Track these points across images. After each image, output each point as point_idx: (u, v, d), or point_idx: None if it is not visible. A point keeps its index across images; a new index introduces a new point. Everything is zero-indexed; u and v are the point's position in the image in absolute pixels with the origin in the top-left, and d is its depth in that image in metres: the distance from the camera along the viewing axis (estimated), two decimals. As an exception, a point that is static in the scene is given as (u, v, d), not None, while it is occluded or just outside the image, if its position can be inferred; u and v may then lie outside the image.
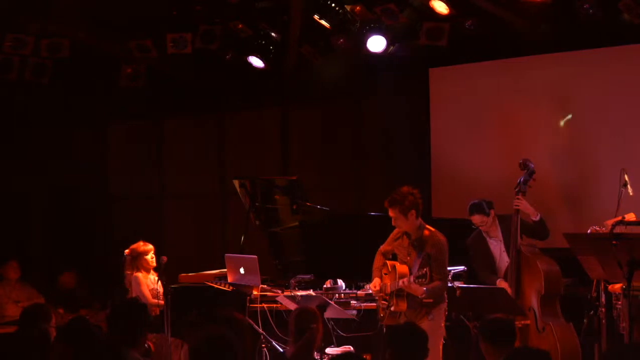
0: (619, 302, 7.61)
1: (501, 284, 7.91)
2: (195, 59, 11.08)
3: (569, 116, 10.03)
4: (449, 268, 8.12)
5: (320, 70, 10.89)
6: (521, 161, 8.18)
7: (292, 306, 7.81)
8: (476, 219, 8.22)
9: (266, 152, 12.14)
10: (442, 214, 10.03)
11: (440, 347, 7.43)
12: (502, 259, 8.17)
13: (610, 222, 7.42)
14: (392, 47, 10.35)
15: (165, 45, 10.65)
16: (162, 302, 8.48)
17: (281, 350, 7.72)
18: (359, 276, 8.72)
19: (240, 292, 8.49)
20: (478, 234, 8.32)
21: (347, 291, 8.76)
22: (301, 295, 8.20)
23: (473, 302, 7.17)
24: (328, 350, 7.96)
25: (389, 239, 7.74)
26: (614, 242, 6.40)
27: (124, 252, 8.87)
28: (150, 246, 8.88)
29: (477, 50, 10.37)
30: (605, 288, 7.72)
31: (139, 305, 5.90)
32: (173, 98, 12.26)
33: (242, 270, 8.49)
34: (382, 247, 7.77)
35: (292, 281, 9.03)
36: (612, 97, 9.79)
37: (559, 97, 10.07)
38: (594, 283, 7.77)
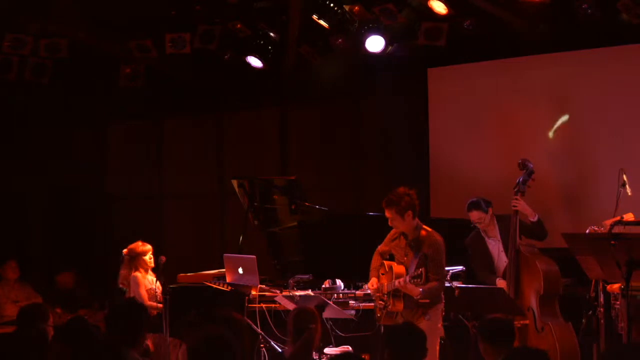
0: (618, 302, 7.61)
1: (500, 283, 7.92)
2: (194, 59, 11.09)
3: (565, 117, 10.03)
4: (447, 268, 8.14)
5: (319, 70, 10.90)
6: (520, 161, 8.18)
7: (290, 306, 7.81)
8: (474, 215, 8.21)
9: (265, 152, 12.14)
10: (441, 214, 10.05)
11: (437, 347, 7.44)
12: (501, 259, 8.18)
13: (608, 222, 7.43)
14: (390, 47, 10.35)
15: (164, 46, 10.65)
16: (159, 304, 8.50)
17: (280, 350, 7.72)
18: (357, 276, 8.72)
19: (238, 292, 8.49)
20: (476, 233, 8.33)
21: (346, 291, 8.77)
22: (300, 295, 8.21)
23: (472, 302, 7.17)
24: (326, 350, 7.97)
25: (386, 239, 7.75)
26: (612, 242, 6.40)
27: (122, 252, 8.89)
28: (149, 246, 8.88)
29: (475, 50, 10.38)
30: (604, 288, 7.72)
31: (138, 305, 5.90)
32: (172, 98, 12.26)
33: (240, 270, 8.49)
34: (380, 248, 7.79)
35: (291, 281, 9.03)
36: (610, 97, 9.79)
37: (558, 97, 10.07)
38: (593, 283, 7.77)
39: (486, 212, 8.19)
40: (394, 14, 9.88)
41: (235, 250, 9.21)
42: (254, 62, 10.89)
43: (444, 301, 7.45)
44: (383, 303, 7.55)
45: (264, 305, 8.43)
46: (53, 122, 12.54)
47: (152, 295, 8.75)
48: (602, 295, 7.74)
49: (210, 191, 12.46)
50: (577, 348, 7.74)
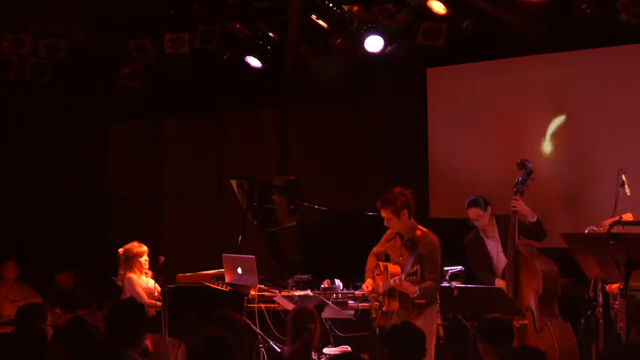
0: (617, 302, 7.61)
1: (499, 284, 7.92)
2: (193, 59, 11.09)
3: (561, 119, 10.04)
4: (446, 268, 8.16)
5: (318, 70, 10.90)
6: (519, 161, 8.18)
7: (289, 306, 7.81)
8: (472, 212, 8.19)
9: (265, 152, 12.14)
10: (440, 214, 10.05)
11: (433, 347, 7.45)
12: (500, 259, 8.17)
13: (607, 222, 7.42)
14: (389, 47, 10.35)
15: (163, 46, 10.66)
16: (158, 302, 8.50)
17: (279, 350, 7.73)
18: (356, 276, 8.71)
19: (237, 292, 8.50)
20: (475, 233, 8.32)
21: (345, 291, 8.78)
22: (299, 295, 8.20)
23: (471, 302, 7.16)
24: (326, 350, 7.98)
25: (381, 240, 7.78)
26: (611, 242, 6.39)
27: (118, 251, 8.89)
28: (145, 248, 8.86)
29: (474, 50, 10.37)
30: (603, 288, 7.71)
31: (137, 305, 5.91)
32: (172, 98, 12.27)
33: (239, 270, 8.50)
34: (375, 249, 7.81)
35: (290, 281, 9.03)
36: (609, 97, 9.79)
37: (557, 97, 10.07)
38: (592, 283, 7.76)
39: (485, 210, 8.18)
40: (393, 14, 9.88)
41: (234, 250, 9.21)
42: (253, 62, 10.89)
43: (439, 302, 7.45)
44: (378, 304, 7.56)
45: (263, 305, 8.44)
46: (53, 122, 12.55)
47: (149, 293, 8.75)
48: (601, 295, 7.74)
49: (210, 191, 12.46)
50: (576, 348, 7.73)
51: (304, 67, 11.06)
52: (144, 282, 8.81)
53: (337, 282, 8.85)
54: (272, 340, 8.02)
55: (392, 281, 7.35)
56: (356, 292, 8.69)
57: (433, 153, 10.82)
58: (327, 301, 7.74)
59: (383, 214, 7.52)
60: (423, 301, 7.33)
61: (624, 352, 4.41)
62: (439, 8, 9.77)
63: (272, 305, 8.44)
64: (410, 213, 7.49)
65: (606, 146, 9.71)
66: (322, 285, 8.82)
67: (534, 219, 8.09)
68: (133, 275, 8.77)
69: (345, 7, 10.06)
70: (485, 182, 9.96)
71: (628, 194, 7.86)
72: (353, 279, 8.89)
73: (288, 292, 8.62)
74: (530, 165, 8.12)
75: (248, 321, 7.86)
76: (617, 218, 7.47)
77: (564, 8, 9.49)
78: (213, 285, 8.77)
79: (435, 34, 9.93)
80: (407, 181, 7.81)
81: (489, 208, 8.21)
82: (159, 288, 8.58)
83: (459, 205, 8.52)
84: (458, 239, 8.37)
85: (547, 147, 10.05)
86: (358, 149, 11.62)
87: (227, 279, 8.67)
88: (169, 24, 10.67)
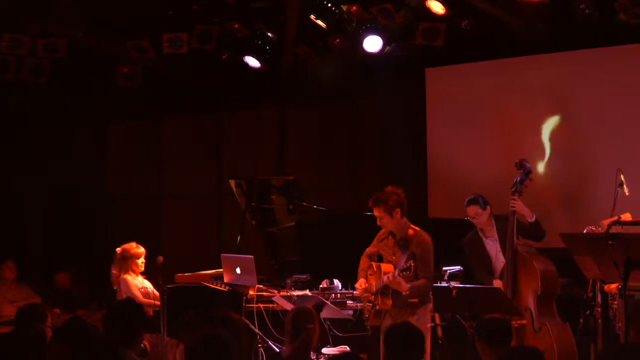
0: (615, 302, 7.61)
1: (497, 284, 7.92)
2: (191, 59, 11.09)
3: (560, 118, 10.05)
4: (445, 268, 8.16)
5: (317, 70, 10.90)
6: (517, 161, 8.18)
7: (288, 306, 7.81)
8: (471, 210, 8.18)
9: (264, 152, 12.15)
10: (439, 214, 10.05)
11: (428, 347, 7.44)
12: (498, 259, 8.17)
13: (606, 222, 7.40)
14: (388, 47, 10.36)
15: (161, 46, 10.66)
16: (156, 302, 8.49)
17: (277, 350, 7.73)
18: (355, 276, 8.69)
19: (236, 292, 8.50)
20: (474, 233, 8.32)
21: (344, 291, 8.78)
22: (297, 295, 8.21)
23: (469, 302, 7.15)
24: (324, 350, 7.98)
25: (374, 241, 7.80)
26: (610, 242, 6.39)
27: (115, 250, 8.89)
28: (142, 250, 8.86)
29: (473, 50, 10.38)
30: (602, 288, 7.71)
31: (136, 305, 5.91)
32: (171, 98, 12.27)
33: (238, 270, 8.49)
34: (368, 250, 7.83)
35: (289, 281, 9.03)
36: (608, 97, 9.80)
37: (556, 97, 10.07)
38: (590, 283, 7.76)
39: (483, 208, 8.17)
40: (391, 13, 9.88)
41: (233, 250, 9.22)
42: (252, 62, 10.89)
43: (432, 301, 7.46)
44: (371, 304, 7.56)
45: (261, 305, 8.43)
46: (52, 122, 12.56)
47: (145, 293, 8.75)
48: (599, 295, 7.74)
49: (209, 191, 12.46)
50: (575, 348, 7.73)
51: (302, 67, 11.06)
52: (139, 282, 8.82)
53: (336, 282, 8.85)
54: (271, 340, 8.02)
55: (385, 278, 7.36)
56: (355, 292, 8.68)
57: (432, 153, 10.83)
58: (326, 301, 7.74)
59: (375, 212, 7.57)
60: (416, 300, 7.33)
61: (622, 352, 4.42)
62: (438, 8, 9.77)
63: (270, 305, 8.44)
64: (402, 212, 7.51)
65: (605, 146, 9.72)
66: (321, 285, 8.82)
67: (533, 219, 8.09)
68: (128, 277, 8.77)
69: (344, 7, 10.07)
70: (484, 182, 9.96)
71: (627, 194, 7.87)
72: (352, 279, 8.86)
73: (287, 292, 8.62)
74: (529, 165, 8.13)
75: (247, 321, 7.86)
76: (615, 218, 7.46)
77: (563, 8, 9.49)
78: (212, 285, 8.77)
79: (434, 34, 9.93)
80: (406, 181, 7.83)
81: (488, 207, 8.20)
82: (156, 292, 8.55)
83: (457, 205, 8.53)
84: (457, 239, 8.37)
85: (545, 147, 10.05)
86: (357, 149, 11.62)
87: (225, 279, 8.67)
88: (167, 24, 10.67)
